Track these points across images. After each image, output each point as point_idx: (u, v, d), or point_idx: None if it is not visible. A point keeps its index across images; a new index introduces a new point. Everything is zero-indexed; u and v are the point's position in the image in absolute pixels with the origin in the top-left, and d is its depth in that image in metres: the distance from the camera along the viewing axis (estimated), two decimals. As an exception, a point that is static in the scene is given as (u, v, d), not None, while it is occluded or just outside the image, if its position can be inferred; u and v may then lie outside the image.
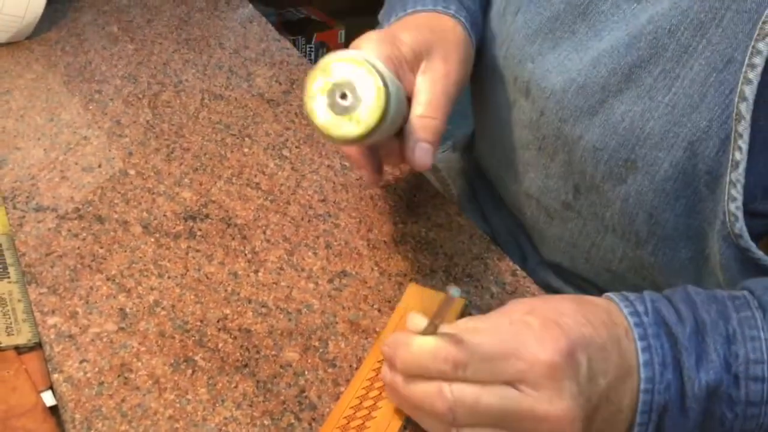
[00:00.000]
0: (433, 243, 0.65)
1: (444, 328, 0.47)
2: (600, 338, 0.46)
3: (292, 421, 0.51)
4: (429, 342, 0.47)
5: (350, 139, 0.50)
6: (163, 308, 0.57)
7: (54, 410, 0.51)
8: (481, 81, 0.70)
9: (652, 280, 0.61)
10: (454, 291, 0.44)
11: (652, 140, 0.56)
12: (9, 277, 0.60)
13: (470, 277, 0.62)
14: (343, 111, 0.49)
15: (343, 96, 0.49)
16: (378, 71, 0.49)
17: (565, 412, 0.43)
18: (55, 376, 0.52)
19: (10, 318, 0.58)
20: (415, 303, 0.58)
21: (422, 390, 0.46)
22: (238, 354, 0.54)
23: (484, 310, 0.59)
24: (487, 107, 0.70)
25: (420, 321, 0.48)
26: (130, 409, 0.50)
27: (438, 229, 0.66)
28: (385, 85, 0.49)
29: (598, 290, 0.65)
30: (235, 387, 0.52)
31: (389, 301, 0.59)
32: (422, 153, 0.55)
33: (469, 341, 0.45)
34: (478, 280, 0.62)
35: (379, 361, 0.54)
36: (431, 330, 0.47)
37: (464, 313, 0.58)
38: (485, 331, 0.46)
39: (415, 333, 0.48)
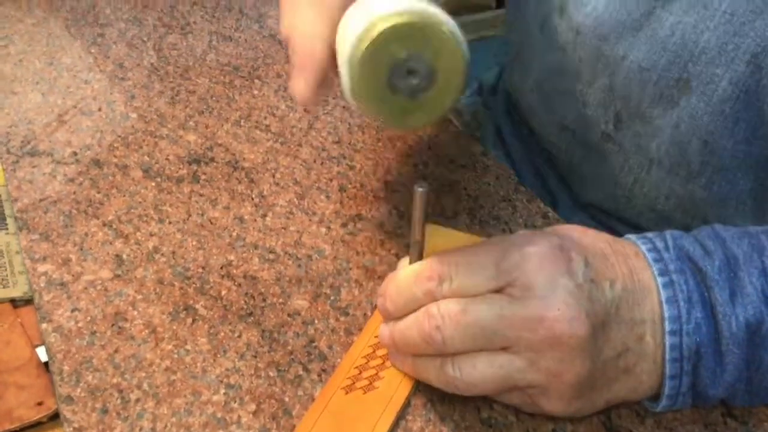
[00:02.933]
0: (457, 185, 0.60)
1: None
2: (601, 249, 0.42)
3: (300, 372, 0.46)
4: (413, 267, 0.43)
5: (425, 124, 0.42)
6: (162, 255, 0.53)
7: (49, 366, 0.47)
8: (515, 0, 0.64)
9: (704, 218, 0.55)
10: (420, 185, 0.40)
11: (707, 55, 0.50)
12: (7, 229, 0.56)
13: (497, 220, 0.57)
14: (412, 92, 0.40)
15: (411, 72, 0.39)
16: (448, 29, 0.39)
17: (561, 309, 0.38)
18: (44, 326, 0.48)
19: (6, 270, 0.54)
20: (435, 245, 0.53)
21: (412, 320, 0.42)
22: (243, 302, 0.50)
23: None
24: (520, 29, 0.64)
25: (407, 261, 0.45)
26: (123, 360, 0.46)
27: (462, 170, 0.61)
28: (460, 44, 0.39)
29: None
30: (239, 337, 0.48)
31: (408, 246, 0.54)
32: None
33: (454, 254, 0.41)
34: (506, 222, 0.56)
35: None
36: (417, 251, 0.43)
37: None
38: (473, 246, 0.42)
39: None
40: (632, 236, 0.44)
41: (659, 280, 0.41)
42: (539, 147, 0.67)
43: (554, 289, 0.39)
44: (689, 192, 0.55)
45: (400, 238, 0.55)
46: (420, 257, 0.44)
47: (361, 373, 0.46)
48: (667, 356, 0.40)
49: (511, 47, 0.70)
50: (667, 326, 0.40)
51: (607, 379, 0.40)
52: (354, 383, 0.45)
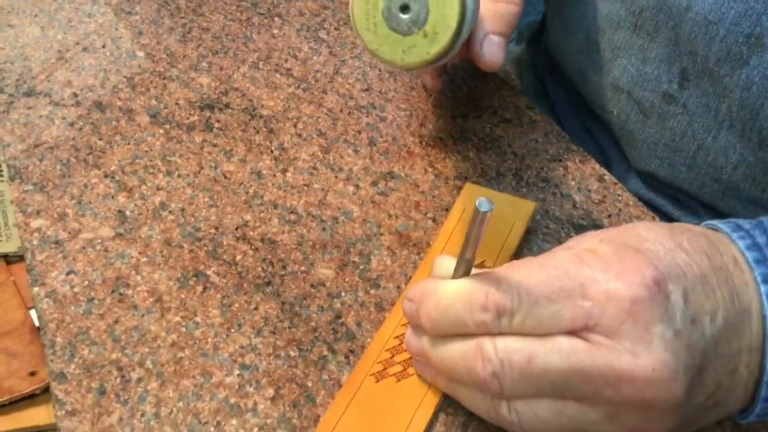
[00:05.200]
0: (500, 141, 0.53)
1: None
2: (699, 267, 0.34)
3: (325, 352, 0.40)
4: (461, 285, 0.35)
5: (427, 62, 0.40)
6: (170, 212, 0.47)
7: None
8: None
9: None
10: (482, 203, 0.32)
11: None
12: (2, 176, 0.50)
13: (546, 183, 0.50)
14: (408, 28, 0.40)
15: (404, 8, 0.40)
16: None
17: (657, 366, 0.31)
18: (36, 289, 0.42)
19: (-1, 222, 0.48)
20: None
21: (457, 351, 0.35)
22: (260, 269, 0.44)
23: (564, 223, 0.48)
24: None
25: (450, 263, 0.37)
26: (124, 332, 0.41)
27: (506, 125, 0.54)
28: None
29: (702, 206, 0.53)
30: (255, 309, 0.42)
31: (446, 209, 0.48)
32: (493, 48, 0.44)
33: (516, 280, 0.33)
34: (556, 186, 0.50)
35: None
36: (464, 269, 0.36)
37: (530, 235, 0.47)
38: (537, 267, 0.34)
39: (444, 278, 0.36)
40: (723, 225, 0.36)
41: (762, 288, 0.34)
42: (587, 108, 0.60)
43: (647, 340, 0.31)
44: (761, 161, 0.48)
45: (437, 200, 0.49)
46: (466, 274, 0.36)
47: (393, 356, 0.40)
48: (765, 378, 0.34)
49: (550, 4, 0.63)
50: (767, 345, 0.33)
51: (694, 420, 0.34)
52: (385, 369, 0.40)
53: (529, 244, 0.47)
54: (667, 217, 0.55)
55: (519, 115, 0.55)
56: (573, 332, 0.32)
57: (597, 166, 0.51)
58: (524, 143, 0.53)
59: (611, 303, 0.31)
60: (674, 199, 0.54)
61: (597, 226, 0.47)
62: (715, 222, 0.37)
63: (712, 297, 0.33)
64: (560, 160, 0.52)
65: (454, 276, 0.36)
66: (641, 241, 0.34)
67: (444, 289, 0.35)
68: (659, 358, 0.31)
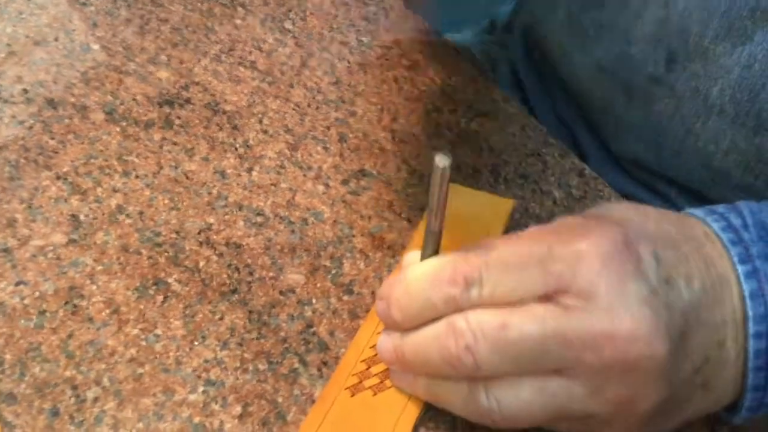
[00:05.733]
0: (476, 136, 0.51)
1: None
2: (669, 235, 0.33)
3: (296, 365, 0.38)
4: (428, 265, 0.33)
5: None
6: (128, 215, 0.44)
7: (-22, 348, 0.39)
8: None
9: None
10: (440, 158, 0.31)
11: None
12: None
13: (525, 179, 0.48)
14: None
15: None
16: None
17: (636, 323, 0.30)
18: (-18, 302, 0.39)
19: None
20: (454, 208, 0.45)
21: (429, 335, 0.33)
22: (225, 276, 0.41)
23: (544, 221, 0.45)
24: None
25: (418, 254, 0.35)
26: (79, 347, 0.38)
27: (481, 119, 0.52)
28: None
29: (689, 196, 0.51)
30: (221, 319, 0.39)
31: (421, 209, 0.46)
32: None
33: (483, 250, 0.32)
34: (535, 182, 0.48)
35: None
36: (432, 246, 0.34)
37: (512, 228, 0.45)
38: (506, 240, 0.33)
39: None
40: (696, 211, 0.35)
41: (740, 268, 0.33)
42: (566, 93, 0.58)
43: (623, 297, 0.30)
44: (756, 146, 0.46)
45: (413, 199, 0.46)
46: (436, 252, 0.34)
47: (369, 368, 0.38)
48: (750, 364, 0.32)
49: None
50: (751, 328, 0.32)
51: (682, 400, 0.32)
52: (361, 381, 0.37)
53: (508, 244, 0.44)
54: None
55: (495, 109, 0.53)
56: (546, 298, 0.31)
57: (576, 160, 0.49)
58: (501, 138, 0.51)
59: (582, 263, 0.31)
60: (658, 192, 0.52)
61: (579, 224, 0.45)
62: (690, 210, 0.36)
63: (684, 263, 0.32)
64: (538, 155, 0.50)
65: (423, 256, 0.35)
66: (608, 210, 0.34)
67: (411, 273, 0.34)
68: (638, 314, 0.30)
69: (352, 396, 0.37)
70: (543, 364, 0.31)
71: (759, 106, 0.45)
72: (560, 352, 0.30)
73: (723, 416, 0.35)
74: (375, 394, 0.37)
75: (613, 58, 0.51)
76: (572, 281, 0.30)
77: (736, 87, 0.45)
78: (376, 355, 0.38)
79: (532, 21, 0.62)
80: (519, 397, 0.31)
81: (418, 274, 0.33)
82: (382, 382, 0.37)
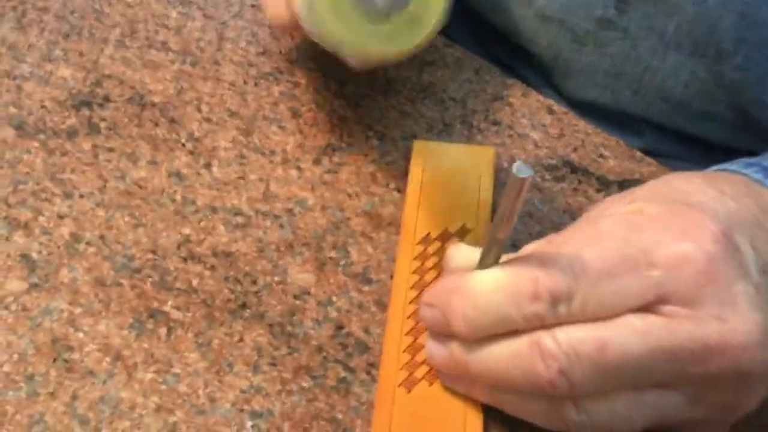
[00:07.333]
0: (433, 87, 0.48)
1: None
2: (750, 212, 0.31)
3: (342, 373, 0.34)
4: (499, 275, 0.30)
5: (411, 50, 0.39)
6: (88, 243, 0.38)
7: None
8: None
9: (732, 102, 0.47)
10: (521, 168, 0.27)
11: None
12: None
13: (498, 125, 0.46)
14: (385, 13, 0.37)
15: None
16: None
17: (748, 329, 0.27)
18: (-49, 382, 0.33)
19: None
20: (436, 165, 0.42)
21: (505, 353, 0.29)
22: (227, 290, 0.37)
23: (534, 166, 0.44)
24: None
25: (468, 251, 0.32)
26: (90, 408, 0.32)
27: (432, 69, 0.49)
28: None
29: (651, 127, 0.50)
30: (240, 341, 0.35)
31: (406, 174, 0.43)
32: None
33: (567, 257, 0.29)
34: (509, 126, 0.46)
35: (416, 258, 0.38)
36: (495, 254, 0.30)
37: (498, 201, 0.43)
38: (580, 240, 0.30)
39: (468, 270, 0.31)
40: (734, 165, 0.34)
41: None
42: (507, 44, 0.55)
43: (731, 301, 0.28)
44: (716, 75, 0.46)
45: (394, 166, 0.43)
46: (497, 260, 0.31)
47: (413, 357, 0.35)
48: None
49: None
50: None
51: None
52: (411, 374, 0.34)
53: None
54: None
55: (441, 56, 0.50)
56: (643, 308, 0.28)
57: (540, 97, 0.48)
58: (459, 86, 0.48)
59: (684, 267, 0.28)
60: (614, 122, 0.51)
61: (568, 162, 0.44)
62: (724, 165, 0.35)
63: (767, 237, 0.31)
64: (502, 98, 0.47)
65: (483, 264, 0.31)
66: (687, 195, 0.31)
67: (477, 282, 0.30)
68: (749, 319, 0.28)
69: (409, 392, 0.34)
70: (643, 381, 0.29)
71: (718, 37, 0.44)
72: (665, 367, 0.28)
73: None
74: (431, 384, 0.34)
75: (557, 6, 0.49)
76: (674, 288, 0.28)
77: (693, 22, 0.45)
78: (415, 340, 0.35)
79: None
80: (613, 410, 0.29)
81: (489, 287, 0.30)
82: (432, 368, 0.34)
